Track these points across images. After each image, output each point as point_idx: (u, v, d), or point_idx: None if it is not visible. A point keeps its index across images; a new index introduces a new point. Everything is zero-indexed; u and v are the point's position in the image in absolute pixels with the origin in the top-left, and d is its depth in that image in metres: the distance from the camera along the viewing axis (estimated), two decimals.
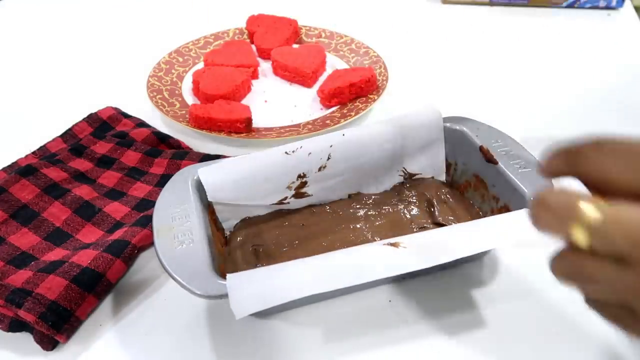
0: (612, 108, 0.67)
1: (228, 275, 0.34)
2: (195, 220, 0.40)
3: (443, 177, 0.52)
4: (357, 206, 0.50)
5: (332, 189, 0.49)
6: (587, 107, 0.67)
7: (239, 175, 0.45)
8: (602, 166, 0.24)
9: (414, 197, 0.50)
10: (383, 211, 0.49)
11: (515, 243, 0.36)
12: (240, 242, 0.46)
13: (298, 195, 0.48)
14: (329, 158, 0.47)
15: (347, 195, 0.50)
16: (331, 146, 0.46)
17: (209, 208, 0.45)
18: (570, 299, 0.42)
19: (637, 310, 0.23)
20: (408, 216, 0.48)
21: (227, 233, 0.48)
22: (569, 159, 0.25)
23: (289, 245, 0.46)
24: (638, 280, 0.21)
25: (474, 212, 0.48)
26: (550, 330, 0.40)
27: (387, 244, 0.36)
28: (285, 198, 0.48)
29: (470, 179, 0.49)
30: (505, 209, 0.44)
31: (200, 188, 0.44)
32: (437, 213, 0.48)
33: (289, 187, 0.47)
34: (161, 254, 0.37)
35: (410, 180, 0.51)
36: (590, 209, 0.22)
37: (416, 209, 0.49)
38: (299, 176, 0.47)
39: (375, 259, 0.35)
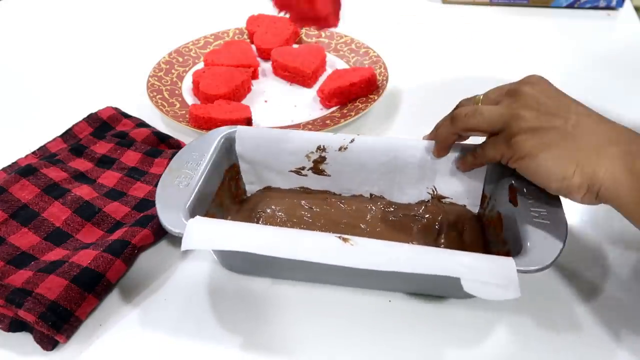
0: (613, 107, 0.67)
1: (191, 219, 0.38)
2: (202, 168, 0.44)
3: (476, 210, 0.48)
4: (372, 208, 0.49)
5: (353, 178, 0.49)
6: (587, 106, 0.67)
7: (267, 134, 0.49)
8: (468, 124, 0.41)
9: (431, 219, 0.48)
10: (392, 220, 0.48)
11: (464, 281, 0.34)
12: (251, 206, 0.49)
13: (316, 169, 0.49)
14: (352, 141, 0.47)
15: (369, 194, 0.50)
16: (358, 134, 0.48)
17: (234, 167, 0.50)
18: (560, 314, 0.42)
19: (505, 128, 0.38)
20: (412, 233, 0.47)
21: (249, 195, 0.52)
22: (450, 124, 0.43)
23: (288, 220, 0.48)
24: (506, 109, 0.39)
25: (480, 251, 0.43)
26: (549, 338, 0.40)
27: (339, 237, 0.37)
28: (303, 168, 0.49)
29: (494, 216, 0.45)
30: (507, 254, 0.39)
31: (227, 146, 0.48)
32: (442, 240, 0.46)
33: (307, 157, 0.48)
34: (159, 187, 0.42)
35: (436, 201, 0.49)
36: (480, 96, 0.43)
37: (425, 230, 0.47)
38: (319, 148, 0.48)
39: (318, 244, 0.36)
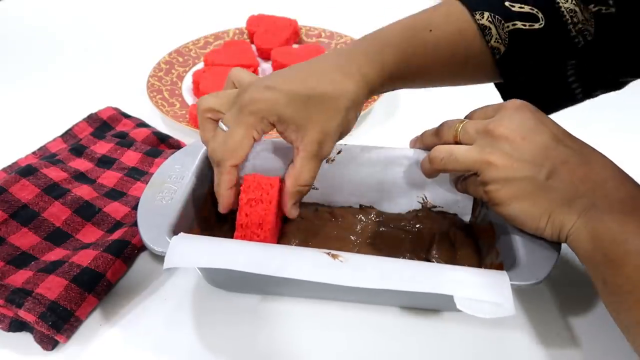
0: (613, 107, 0.67)
1: (174, 237, 0.36)
2: (186, 182, 0.42)
3: (467, 218, 0.48)
4: (362, 219, 0.48)
5: (341, 190, 0.48)
6: (588, 106, 0.66)
7: (256, 146, 0.45)
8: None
9: (422, 229, 0.47)
10: (382, 231, 0.47)
11: (456, 299, 0.33)
12: None
13: None
14: (339, 152, 0.46)
15: (359, 205, 0.49)
16: (345, 144, 0.46)
17: None
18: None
19: (479, 174, 0.38)
20: (403, 245, 0.46)
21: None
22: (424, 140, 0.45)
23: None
24: (478, 154, 0.37)
25: (474, 261, 0.44)
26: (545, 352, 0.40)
27: (328, 253, 0.36)
28: None
29: (486, 225, 0.44)
30: (500, 266, 0.39)
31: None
32: (434, 252, 0.45)
33: None
34: (140, 204, 0.40)
35: (427, 210, 0.48)
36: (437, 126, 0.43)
37: (417, 241, 0.46)
38: None
39: (307, 261, 0.35)
